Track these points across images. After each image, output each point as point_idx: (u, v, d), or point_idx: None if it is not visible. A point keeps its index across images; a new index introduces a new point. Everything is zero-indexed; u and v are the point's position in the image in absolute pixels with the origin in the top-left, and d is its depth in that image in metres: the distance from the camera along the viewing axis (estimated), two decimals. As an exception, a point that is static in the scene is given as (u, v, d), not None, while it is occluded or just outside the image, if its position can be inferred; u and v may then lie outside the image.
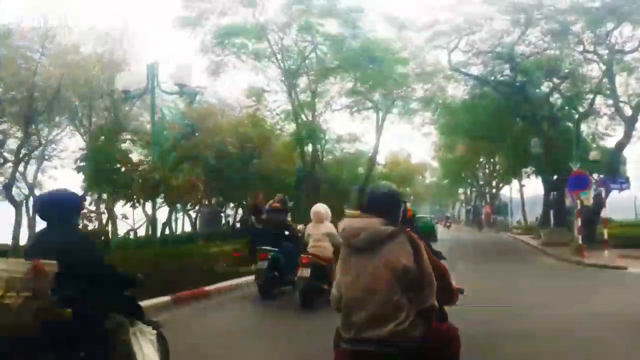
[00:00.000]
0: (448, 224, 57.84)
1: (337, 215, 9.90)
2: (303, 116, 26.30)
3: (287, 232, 10.88)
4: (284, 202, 11.74)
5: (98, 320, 3.72)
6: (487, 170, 55.81)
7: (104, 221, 13.17)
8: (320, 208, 10.05)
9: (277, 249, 10.44)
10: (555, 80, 27.80)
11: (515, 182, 50.06)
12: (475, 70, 27.68)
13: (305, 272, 9.28)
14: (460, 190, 76.07)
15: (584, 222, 19.92)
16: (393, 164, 55.11)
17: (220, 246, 17.28)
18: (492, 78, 27.09)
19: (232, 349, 6.75)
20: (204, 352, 6.42)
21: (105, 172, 11.03)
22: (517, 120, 29.66)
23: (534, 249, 25.17)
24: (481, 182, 60.01)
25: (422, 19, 26.35)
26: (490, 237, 37.71)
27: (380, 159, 54.09)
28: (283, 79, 25.22)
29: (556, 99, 30.04)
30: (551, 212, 33.76)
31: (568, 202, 28.00)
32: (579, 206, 19.60)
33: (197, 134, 30.01)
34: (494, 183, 56.94)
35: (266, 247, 10.44)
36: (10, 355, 3.34)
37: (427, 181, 79.78)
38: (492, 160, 51.95)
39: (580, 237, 19.34)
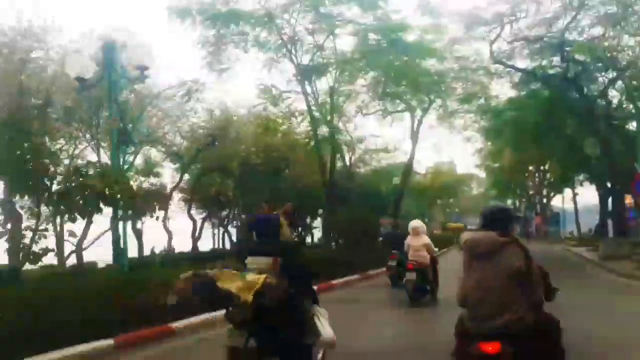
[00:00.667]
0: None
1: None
2: (321, 118, 23.67)
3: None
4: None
5: (301, 300, 5.26)
6: (536, 179, 52.19)
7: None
8: (417, 224, 12.44)
9: (400, 251, 13.35)
10: (613, 72, 24.76)
11: (567, 192, 46.99)
12: (521, 63, 24.78)
13: (411, 276, 11.68)
14: (509, 202, 72.36)
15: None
16: (434, 174, 52.36)
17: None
18: (541, 71, 24.07)
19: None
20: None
21: (29, 177, 8.93)
22: (569, 119, 26.49)
23: (592, 263, 22.05)
24: (531, 192, 56.36)
25: (459, 6, 23.71)
26: (542, 249, 34.23)
27: (421, 168, 51.85)
28: (295, 73, 22.63)
29: (612, 96, 26.99)
30: (608, 221, 30.74)
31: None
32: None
33: (216, 143, 28.25)
34: (544, 192, 53.26)
35: (395, 251, 14.30)
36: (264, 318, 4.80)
37: (473, 192, 76.86)
38: (542, 168, 48.61)
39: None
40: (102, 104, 23.90)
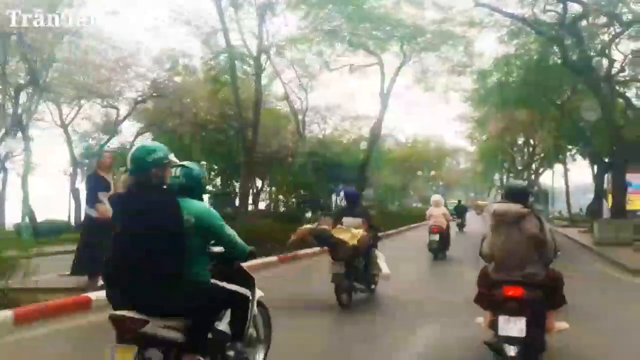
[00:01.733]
0: (479, 211, 52.14)
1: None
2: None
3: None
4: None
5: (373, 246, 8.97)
6: (526, 151, 48.48)
7: None
8: (438, 197, 16.59)
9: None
10: (616, 28, 21.01)
11: (557, 168, 43.42)
12: (510, 9, 20.60)
13: (435, 237, 14.93)
14: (497, 177, 69.50)
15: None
16: (413, 144, 49.35)
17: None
18: (533, 19, 19.93)
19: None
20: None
21: None
22: (564, 77, 22.59)
23: (587, 250, 18.41)
24: (519, 167, 52.95)
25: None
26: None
27: (409, 138, 48.73)
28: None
29: (614, 57, 23.18)
30: (603, 200, 27.40)
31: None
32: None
33: (154, 94, 24.66)
34: (533, 167, 49.72)
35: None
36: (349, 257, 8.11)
37: (461, 166, 74.66)
38: (531, 141, 45.01)
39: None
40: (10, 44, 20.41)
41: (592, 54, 20.33)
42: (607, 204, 27.97)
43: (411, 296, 9.35)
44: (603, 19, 20.95)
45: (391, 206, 47.51)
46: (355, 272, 8.40)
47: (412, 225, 30.99)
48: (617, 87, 22.65)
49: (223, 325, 3.98)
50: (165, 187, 3.71)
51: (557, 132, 30.29)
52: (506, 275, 5.03)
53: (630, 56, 22.63)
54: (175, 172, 3.86)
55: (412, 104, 79.93)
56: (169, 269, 3.44)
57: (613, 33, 21.54)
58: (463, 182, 78.75)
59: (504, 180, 65.69)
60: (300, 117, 27.15)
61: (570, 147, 34.68)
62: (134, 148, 3.74)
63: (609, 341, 6.37)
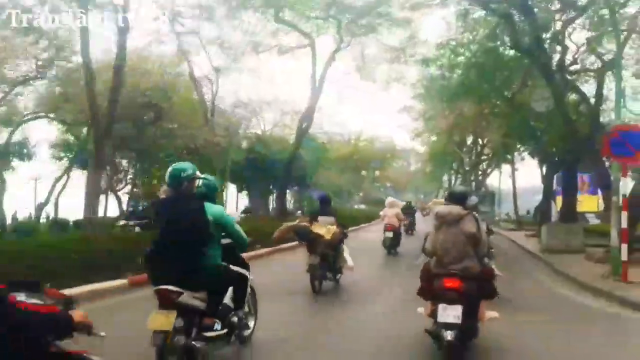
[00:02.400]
0: (425, 213, 51.02)
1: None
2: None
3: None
4: None
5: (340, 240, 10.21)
6: (474, 152, 46.76)
7: None
8: (392, 199, 18.99)
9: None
10: (571, 13, 19.15)
11: (505, 169, 42.32)
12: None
13: (389, 235, 16.64)
14: (445, 178, 68.42)
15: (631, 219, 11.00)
16: (355, 142, 47.55)
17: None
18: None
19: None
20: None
21: None
22: (513, 70, 20.66)
23: (533, 258, 16.40)
24: (467, 168, 51.49)
25: None
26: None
27: (346, 133, 46.68)
28: None
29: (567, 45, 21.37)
30: (552, 202, 25.82)
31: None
32: (628, 189, 10.77)
33: (38, 76, 21.71)
34: (482, 167, 48.11)
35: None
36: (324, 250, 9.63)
37: (411, 168, 73.59)
38: (479, 140, 43.36)
39: (623, 246, 10.62)
40: None
41: (545, 36, 18.34)
42: (556, 206, 26.41)
43: (369, 285, 10.93)
44: (557, 5, 19.23)
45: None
46: (328, 263, 9.84)
47: (352, 228, 28.70)
48: (569, 78, 20.85)
49: (227, 299, 5.28)
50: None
51: (506, 127, 28.44)
52: (446, 267, 5.64)
53: (584, 46, 20.92)
54: (198, 183, 5.29)
55: (353, 93, 78.24)
56: (197, 257, 4.85)
57: (566, 19, 19.75)
58: (414, 183, 77.81)
59: (452, 181, 64.75)
60: (210, 102, 24.52)
61: (519, 145, 33.02)
62: (170, 167, 5.08)
63: None
